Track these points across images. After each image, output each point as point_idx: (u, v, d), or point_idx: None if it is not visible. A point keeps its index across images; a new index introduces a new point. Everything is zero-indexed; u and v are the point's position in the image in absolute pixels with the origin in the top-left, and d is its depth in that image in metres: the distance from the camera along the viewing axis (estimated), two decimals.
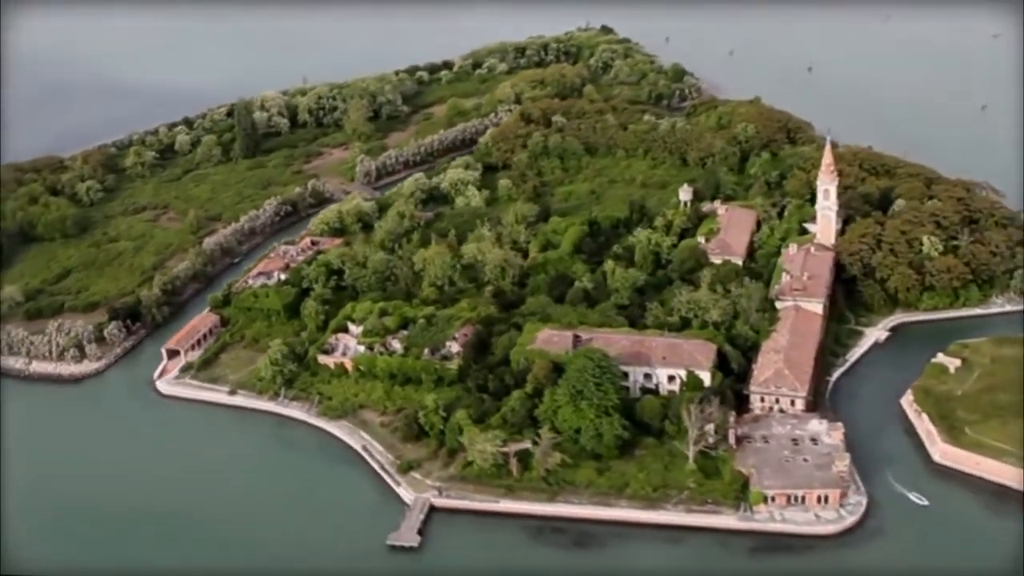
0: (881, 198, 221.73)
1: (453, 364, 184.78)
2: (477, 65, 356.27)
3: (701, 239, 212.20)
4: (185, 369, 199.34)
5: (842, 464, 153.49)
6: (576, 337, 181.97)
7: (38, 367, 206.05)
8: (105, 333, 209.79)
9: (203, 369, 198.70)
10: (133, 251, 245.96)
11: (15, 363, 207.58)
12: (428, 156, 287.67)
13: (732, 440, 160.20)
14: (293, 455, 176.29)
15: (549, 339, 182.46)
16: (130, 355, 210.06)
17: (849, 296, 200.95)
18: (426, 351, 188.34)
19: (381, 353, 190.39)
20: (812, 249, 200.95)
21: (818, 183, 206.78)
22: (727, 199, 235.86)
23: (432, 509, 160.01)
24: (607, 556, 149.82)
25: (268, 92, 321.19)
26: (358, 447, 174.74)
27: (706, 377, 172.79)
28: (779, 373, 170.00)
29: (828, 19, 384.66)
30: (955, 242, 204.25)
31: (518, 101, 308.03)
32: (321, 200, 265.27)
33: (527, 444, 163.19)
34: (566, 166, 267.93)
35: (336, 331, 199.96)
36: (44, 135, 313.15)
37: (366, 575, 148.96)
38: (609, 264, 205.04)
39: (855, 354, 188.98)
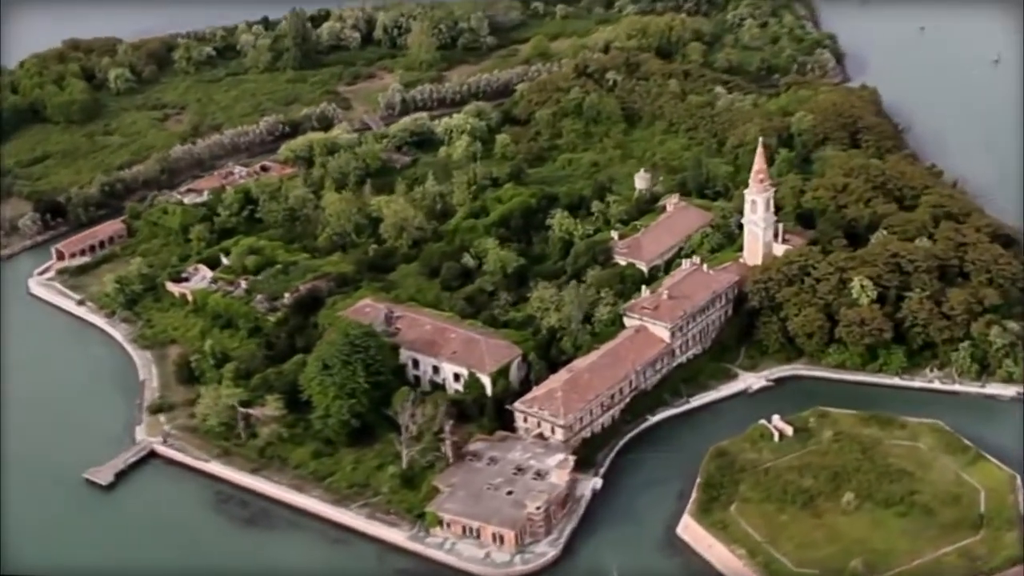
0: (868, 227, 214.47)
1: (273, 316, 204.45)
2: (611, 3, 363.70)
3: (614, 234, 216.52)
4: (61, 272, 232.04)
5: (533, 506, 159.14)
6: (389, 312, 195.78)
7: None
8: (19, 224, 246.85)
9: (76, 275, 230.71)
10: (117, 147, 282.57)
11: None
12: (470, 97, 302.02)
13: (449, 453, 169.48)
14: (86, 374, 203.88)
15: (362, 309, 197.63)
16: (39, 249, 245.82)
17: (749, 333, 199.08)
18: (259, 297, 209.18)
19: (226, 293, 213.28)
20: (706, 267, 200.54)
21: (746, 193, 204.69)
22: (716, 196, 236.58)
23: (152, 454, 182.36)
24: (266, 539, 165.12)
25: (352, 4, 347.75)
26: (143, 379, 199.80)
27: (487, 382, 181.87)
28: (550, 394, 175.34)
29: None
30: (907, 293, 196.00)
31: (606, 50, 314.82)
32: (327, 126, 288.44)
33: (265, 411, 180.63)
34: (590, 131, 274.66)
35: (203, 261, 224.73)
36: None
37: (36, 499, 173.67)
38: (490, 243, 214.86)
39: (706, 398, 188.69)
